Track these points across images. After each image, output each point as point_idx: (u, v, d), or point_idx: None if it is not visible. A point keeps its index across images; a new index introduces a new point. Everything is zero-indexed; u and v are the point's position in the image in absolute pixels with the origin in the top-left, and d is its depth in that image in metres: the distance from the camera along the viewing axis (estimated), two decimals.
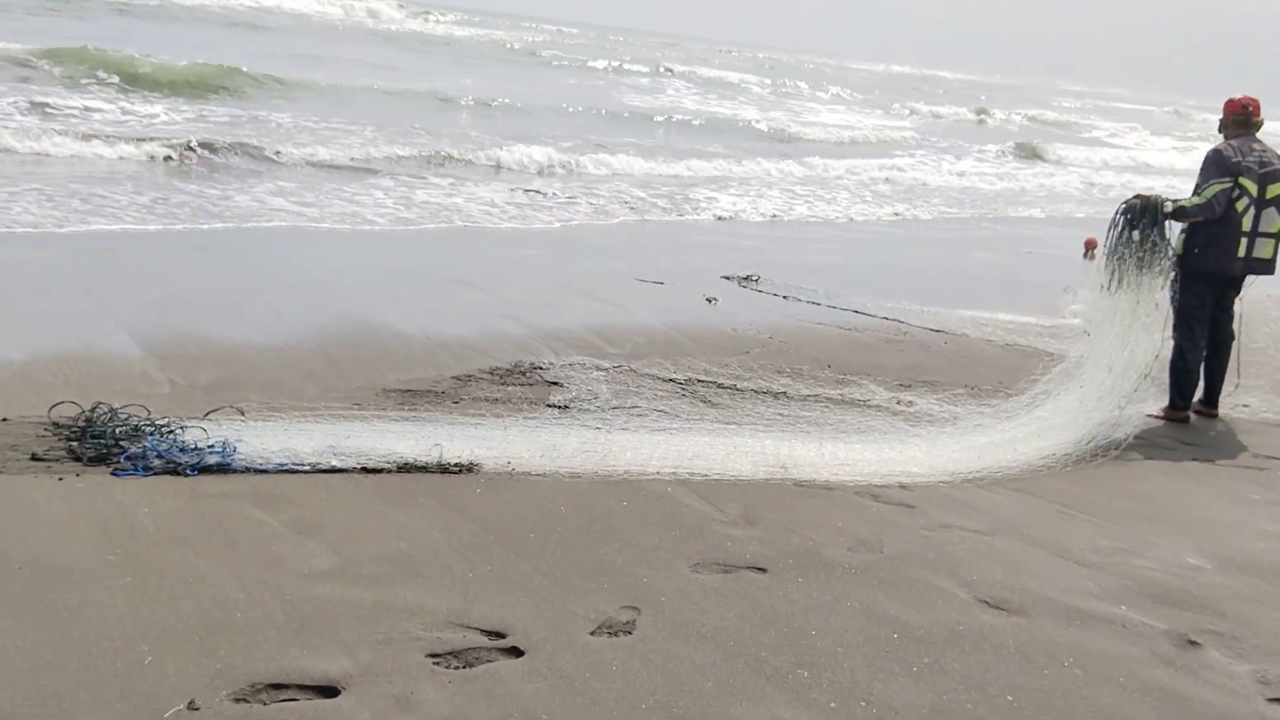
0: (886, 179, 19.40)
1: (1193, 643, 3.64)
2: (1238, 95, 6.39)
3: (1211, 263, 6.19)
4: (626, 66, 41.45)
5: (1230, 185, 6.06)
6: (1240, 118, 6.32)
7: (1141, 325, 5.99)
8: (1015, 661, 3.43)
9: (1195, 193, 6.17)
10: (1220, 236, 6.14)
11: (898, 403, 6.12)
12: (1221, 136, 6.43)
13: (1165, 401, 6.44)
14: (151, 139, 13.42)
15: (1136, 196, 6.21)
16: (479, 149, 16.15)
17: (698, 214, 13.64)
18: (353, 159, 14.07)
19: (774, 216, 14.16)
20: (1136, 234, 6.05)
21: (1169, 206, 6.10)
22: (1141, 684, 3.36)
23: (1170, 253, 6.10)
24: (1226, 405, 6.60)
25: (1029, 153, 28.24)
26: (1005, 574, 4.07)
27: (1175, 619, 3.82)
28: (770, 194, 16.14)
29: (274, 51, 27.88)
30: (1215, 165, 6.16)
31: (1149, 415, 6.38)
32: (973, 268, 11.41)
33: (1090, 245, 12.95)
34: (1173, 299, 6.27)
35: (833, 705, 3.09)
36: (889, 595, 3.81)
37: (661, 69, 42.33)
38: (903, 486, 4.88)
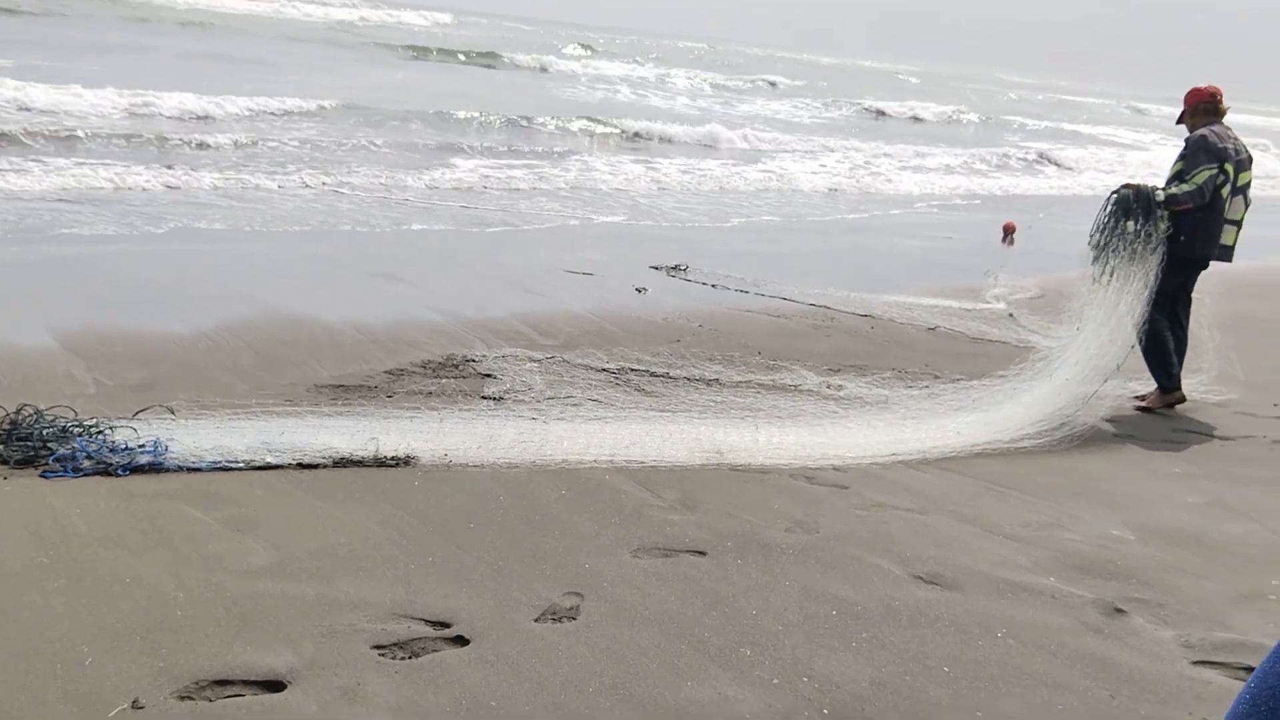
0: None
1: (1119, 610, 3.78)
2: (1202, 85, 6.50)
3: (1199, 249, 6.22)
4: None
5: (1217, 171, 6.11)
6: (1209, 105, 6.39)
7: (1121, 318, 6.01)
8: (950, 634, 3.53)
9: (1181, 179, 6.18)
10: (1206, 222, 6.17)
11: (828, 387, 6.22)
12: (1183, 128, 6.52)
13: (1141, 390, 6.54)
14: None
15: (1125, 186, 6.22)
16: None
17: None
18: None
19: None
20: (1132, 225, 6.03)
21: (1160, 195, 6.11)
22: (1072, 652, 3.47)
23: (1162, 241, 6.08)
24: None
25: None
26: (938, 550, 4.17)
27: (1102, 589, 3.95)
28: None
29: None
30: (1204, 151, 6.17)
31: (1139, 407, 6.45)
32: (896, 253, 11.59)
33: (1009, 230, 13.25)
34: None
35: (775, 682, 3.16)
36: (826, 574, 3.89)
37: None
38: (836, 469, 4.98)
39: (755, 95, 38.28)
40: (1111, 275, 6.09)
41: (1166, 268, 6.15)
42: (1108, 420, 6.19)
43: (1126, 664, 3.43)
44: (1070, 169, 24.81)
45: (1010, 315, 8.75)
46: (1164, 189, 6.19)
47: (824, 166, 19.04)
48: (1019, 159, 25.02)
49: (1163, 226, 6.09)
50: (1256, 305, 9.82)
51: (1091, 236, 6.25)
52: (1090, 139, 34.61)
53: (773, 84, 45.16)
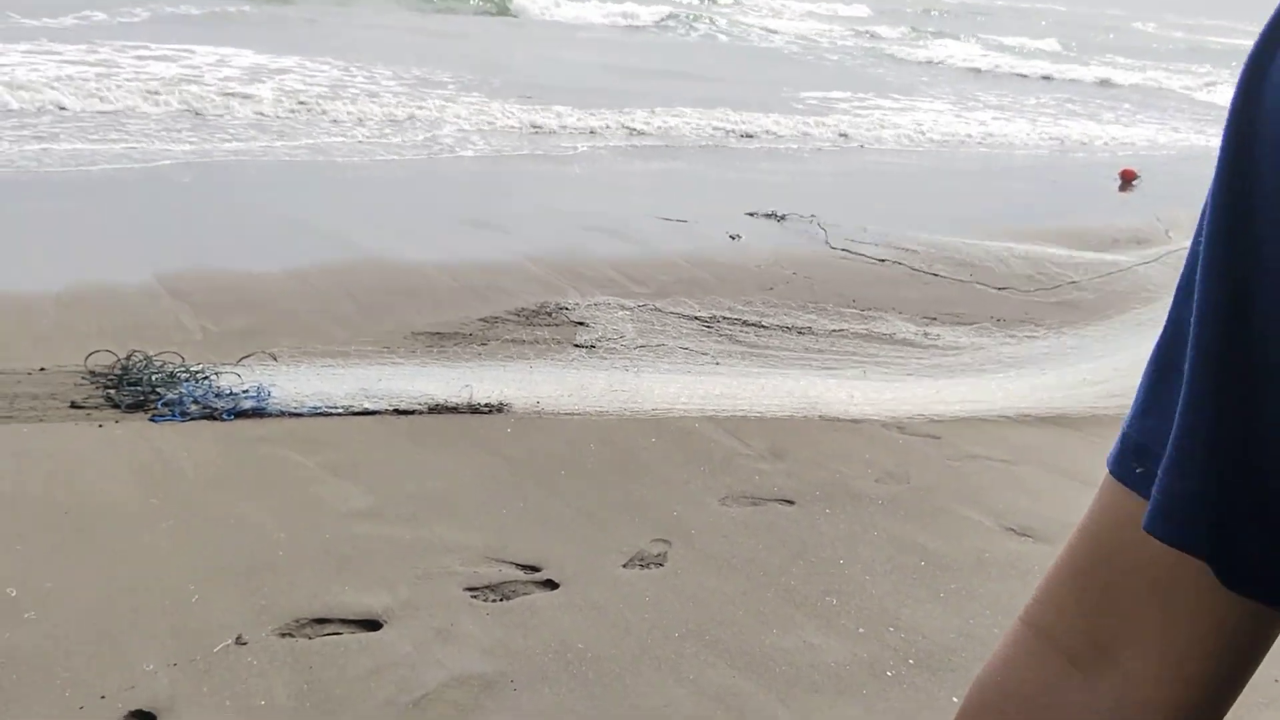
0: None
1: None
2: None
3: None
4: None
5: None
6: None
7: None
8: None
9: None
10: None
11: (924, 336, 6.13)
12: None
13: None
14: None
15: None
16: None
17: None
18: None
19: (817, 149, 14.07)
20: None
21: None
22: None
23: None
24: None
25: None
26: (1031, 502, 4.12)
27: None
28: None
29: None
30: None
31: None
32: (999, 198, 11.32)
33: (1128, 177, 12.69)
34: None
35: (861, 630, 3.16)
36: (916, 524, 3.87)
37: None
38: (929, 419, 4.92)
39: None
40: None
41: None
42: None
43: None
44: None
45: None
46: None
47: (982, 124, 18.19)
48: None
49: None
50: None
51: None
52: None
53: None
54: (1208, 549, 0.58)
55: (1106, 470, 0.67)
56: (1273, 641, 0.64)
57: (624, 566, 3.48)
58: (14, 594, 3.06)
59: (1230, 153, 0.55)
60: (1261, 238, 0.53)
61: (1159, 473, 0.60)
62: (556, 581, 3.35)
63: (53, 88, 11.24)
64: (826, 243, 8.41)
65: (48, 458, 3.94)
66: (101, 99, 11.21)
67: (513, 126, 13.21)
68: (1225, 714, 0.65)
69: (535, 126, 13.32)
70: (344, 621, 3.06)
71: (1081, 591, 0.67)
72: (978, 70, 26.88)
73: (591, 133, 13.37)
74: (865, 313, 6.54)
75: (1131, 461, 0.64)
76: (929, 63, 27.33)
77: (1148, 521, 0.60)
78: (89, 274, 6.19)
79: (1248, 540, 0.57)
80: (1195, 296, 0.57)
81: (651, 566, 3.50)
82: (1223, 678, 0.64)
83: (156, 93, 11.69)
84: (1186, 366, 0.58)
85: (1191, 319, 0.57)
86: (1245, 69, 0.55)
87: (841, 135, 15.54)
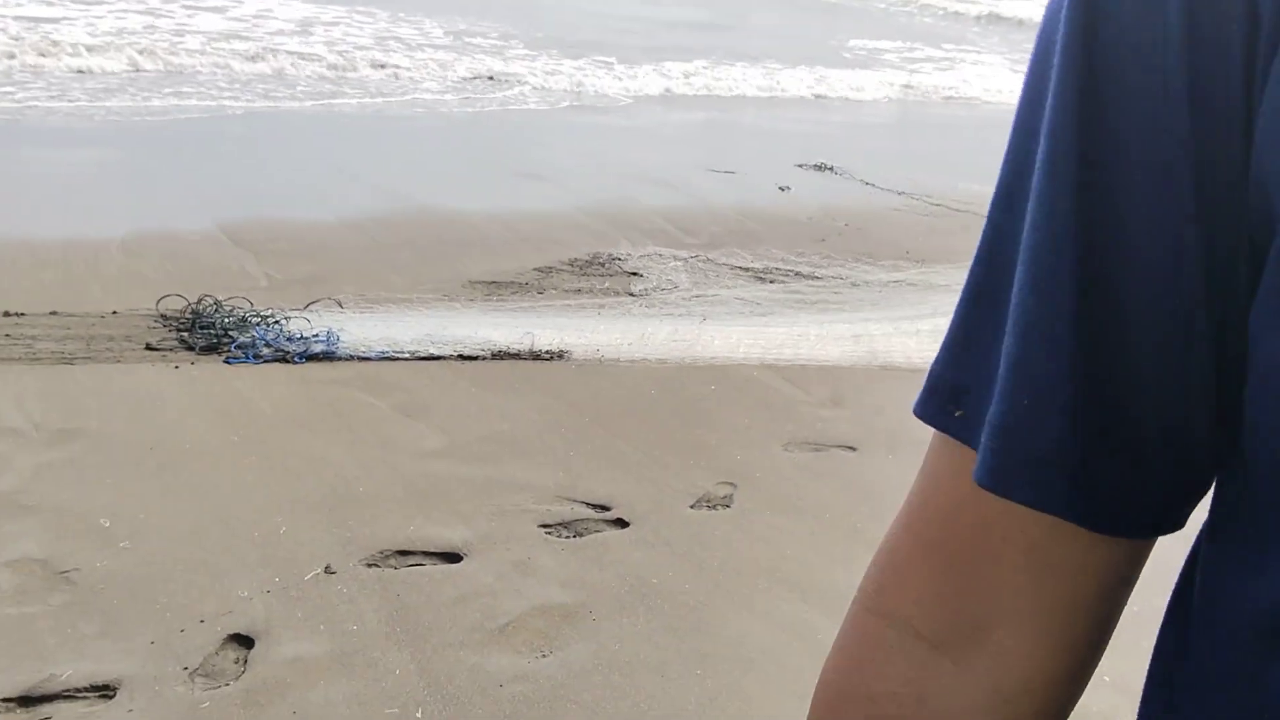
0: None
1: None
2: None
3: None
4: None
5: None
6: None
7: None
8: None
9: None
10: None
11: None
12: None
13: None
14: None
15: None
16: None
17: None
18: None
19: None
20: None
21: None
22: None
23: None
24: None
25: None
26: None
27: None
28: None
29: None
30: None
31: None
32: None
33: None
34: None
35: None
36: None
37: None
38: None
39: None
40: None
41: None
42: None
43: None
44: None
45: None
46: None
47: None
48: None
49: None
50: None
51: None
52: None
53: None
54: (1054, 494, 0.51)
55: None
56: (1138, 575, 0.58)
57: (691, 507, 3.56)
58: (108, 524, 3.18)
59: (1076, 17, 0.48)
60: (1108, 102, 0.47)
61: (988, 418, 0.52)
62: (627, 520, 3.44)
63: (111, 45, 11.36)
64: (876, 190, 8.40)
65: (129, 396, 4.05)
66: (152, 55, 11.31)
67: (557, 77, 13.22)
68: (1093, 672, 0.59)
69: (578, 80, 13.30)
70: (426, 554, 3.16)
71: (936, 570, 0.58)
72: (1020, 22, 26.54)
73: (635, 83, 13.35)
74: (921, 264, 6.56)
75: (948, 404, 0.56)
76: (979, 18, 26.99)
77: (980, 473, 0.53)
78: (151, 221, 6.30)
79: (1099, 470, 0.51)
80: (1034, 191, 0.50)
81: (719, 508, 3.58)
82: (1096, 634, 0.57)
83: (201, 51, 11.75)
84: (1016, 283, 0.50)
85: (1025, 224, 0.50)
86: None
87: (892, 85, 15.43)
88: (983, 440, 0.52)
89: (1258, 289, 0.45)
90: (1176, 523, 0.54)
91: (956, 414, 0.55)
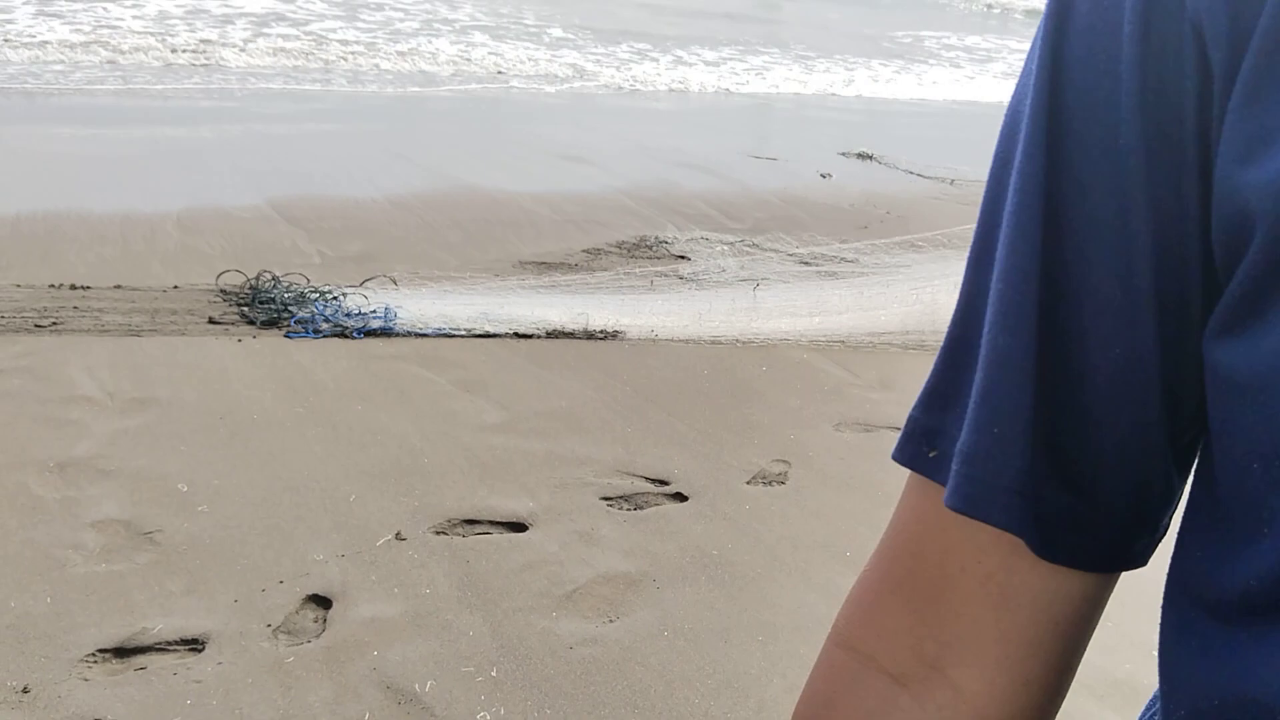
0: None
1: None
2: None
3: None
4: None
5: None
6: None
7: None
8: None
9: None
10: None
11: None
12: None
13: None
14: None
15: None
16: None
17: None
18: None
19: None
20: None
21: None
22: None
23: None
24: None
25: None
26: None
27: None
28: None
29: None
30: None
31: None
32: None
33: None
34: None
35: None
36: None
37: None
38: None
39: None
40: None
41: None
42: None
43: None
44: None
45: None
46: None
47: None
48: None
49: None
50: None
51: None
52: None
53: None
54: (1016, 517, 0.53)
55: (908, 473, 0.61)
56: (1100, 612, 0.59)
57: (748, 483, 3.63)
58: (185, 489, 3.28)
59: (1043, 82, 0.52)
60: (1071, 154, 0.50)
61: (958, 447, 0.55)
62: (685, 494, 3.51)
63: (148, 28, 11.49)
64: (917, 179, 8.43)
65: (196, 368, 4.16)
66: (196, 43, 11.45)
67: (596, 63, 13.27)
68: (1056, 713, 0.60)
69: (615, 66, 13.35)
70: (492, 523, 3.24)
71: (901, 604, 0.60)
72: None
73: (674, 73, 13.39)
74: (964, 253, 6.57)
75: (923, 446, 0.58)
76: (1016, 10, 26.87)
77: (949, 497, 0.55)
78: (204, 198, 6.42)
79: (1057, 501, 0.53)
80: (1001, 243, 0.53)
81: (774, 484, 3.65)
82: (1055, 672, 0.58)
83: (250, 41, 11.87)
84: (986, 325, 0.54)
85: (994, 273, 0.53)
86: None
87: (928, 75, 15.39)
88: (953, 468, 0.55)
89: (1212, 311, 0.48)
90: (1134, 560, 0.56)
91: (930, 454, 0.58)
